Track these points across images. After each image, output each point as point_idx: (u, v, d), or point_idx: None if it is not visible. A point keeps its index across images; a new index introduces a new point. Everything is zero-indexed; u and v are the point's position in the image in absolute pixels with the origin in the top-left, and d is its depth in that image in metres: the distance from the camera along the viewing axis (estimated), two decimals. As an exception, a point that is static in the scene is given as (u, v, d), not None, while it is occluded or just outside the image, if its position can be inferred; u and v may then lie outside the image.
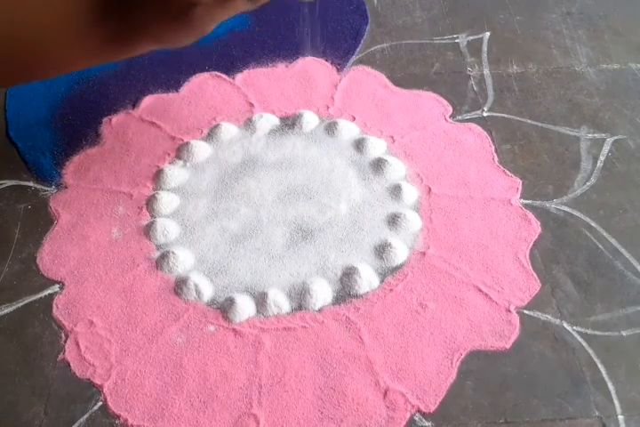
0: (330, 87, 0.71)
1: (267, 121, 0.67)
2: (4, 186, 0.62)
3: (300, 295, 0.53)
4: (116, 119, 0.68)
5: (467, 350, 0.50)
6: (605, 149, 0.64)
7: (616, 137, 0.65)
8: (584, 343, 0.50)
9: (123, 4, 0.29)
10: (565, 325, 0.51)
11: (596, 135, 0.66)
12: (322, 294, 0.53)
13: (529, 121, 0.67)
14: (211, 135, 0.66)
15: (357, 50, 0.76)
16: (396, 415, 0.46)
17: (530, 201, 0.60)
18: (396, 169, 0.62)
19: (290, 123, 0.67)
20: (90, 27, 0.30)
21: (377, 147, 0.64)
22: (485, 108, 0.69)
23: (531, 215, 0.59)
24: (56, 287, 0.55)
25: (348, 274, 0.54)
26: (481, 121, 0.67)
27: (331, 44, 0.76)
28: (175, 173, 0.62)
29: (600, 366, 0.49)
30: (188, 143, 0.65)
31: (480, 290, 0.53)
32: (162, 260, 0.56)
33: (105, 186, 0.62)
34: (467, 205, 0.60)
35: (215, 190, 0.61)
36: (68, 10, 0.29)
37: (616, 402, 0.47)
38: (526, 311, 0.52)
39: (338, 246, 0.57)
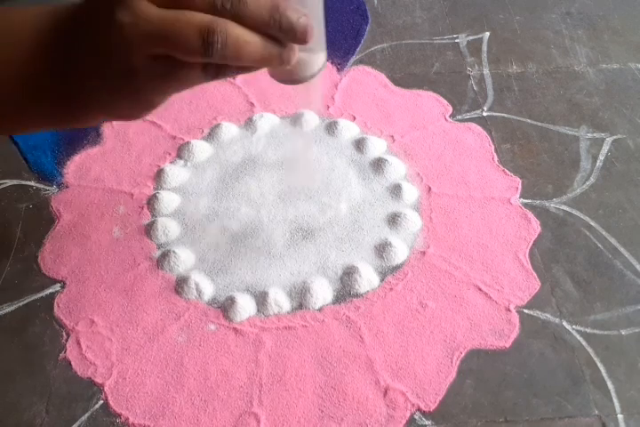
0: (330, 87, 0.71)
1: (267, 121, 0.67)
2: (5, 185, 0.62)
3: (301, 294, 0.53)
4: (116, 119, 0.68)
5: (466, 349, 0.50)
6: (605, 148, 0.64)
7: (615, 136, 0.65)
8: (583, 342, 0.50)
9: (69, 69, 0.28)
10: (565, 324, 0.52)
11: (595, 135, 0.66)
12: (322, 293, 0.53)
13: (528, 121, 0.67)
14: (211, 135, 0.66)
15: (357, 50, 0.76)
16: (396, 414, 0.47)
17: (529, 200, 0.60)
18: (397, 168, 0.62)
19: (290, 122, 0.67)
20: (43, 89, 0.29)
21: (377, 146, 0.64)
22: (485, 108, 0.69)
23: (530, 215, 0.59)
24: (57, 286, 0.55)
25: (349, 273, 0.54)
26: (481, 121, 0.67)
27: (331, 44, 0.75)
28: (176, 173, 0.62)
29: (599, 364, 0.49)
30: (188, 143, 0.65)
31: (480, 289, 0.53)
32: (163, 259, 0.56)
33: (106, 185, 0.62)
34: (467, 204, 0.60)
35: (216, 190, 0.62)
36: (26, 69, 0.28)
37: (615, 401, 0.47)
38: (526, 310, 0.52)
39: (338, 246, 0.57)
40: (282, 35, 0.27)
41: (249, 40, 0.26)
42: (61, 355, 0.50)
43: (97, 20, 0.26)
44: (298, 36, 0.27)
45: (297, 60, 0.28)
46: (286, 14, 0.26)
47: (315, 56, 0.30)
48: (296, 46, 0.28)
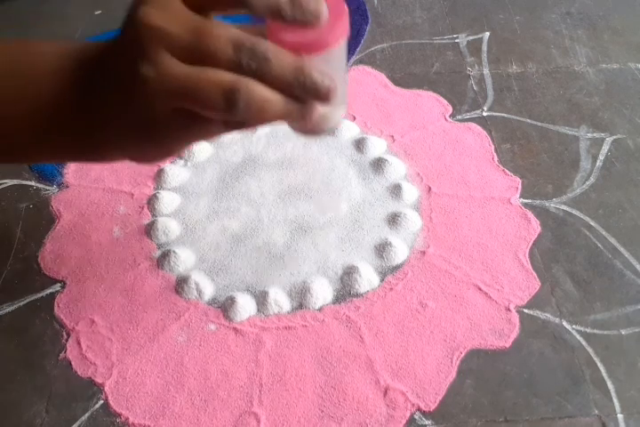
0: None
1: (267, 121, 0.67)
2: (5, 185, 0.62)
3: (301, 294, 0.53)
4: (116, 119, 0.68)
5: (467, 349, 0.50)
6: (605, 148, 0.64)
7: (615, 136, 0.65)
8: (583, 342, 0.50)
9: (91, 111, 0.28)
10: (565, 324, 0.52)
11: (595, 135, 0.66)
12: (322, 292, 0.53)
13: (528, 120, 0.67)
14: (211, 135, 0.66)
15: (358, 49, 0.76)
16: (396, 414, 0.47)
17: (529, 200, 0.60)
18: (397, 168, 0.62)
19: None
20: (65, 128, 0.29)
21: (377, 146, 0.64)
22: (485, 108, 0.69)
23: (530, 214, 0.59)
24: (57, 286, 0.55)
25: (349, 273, 0.54)
26: (481, 121, 0.67)
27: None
28: (176, 173, 0.62)
29: (599, 364, 0.49)
30: (188, 143, 0.65)
31: (480, 289, 0.53)
32: (163, 259, 0.56)
33: (106, 185, 0.62)
34: (466, 204, 0.60)
35: (216, 190, 0.62)
36: (48, 106, 0.28)
37: (615, 401, 0.47)
38: (526, 310, 0.52)
39: (338, 245, 0.57)
40: (305, 95, 0.27)
41: (271, 99, 0.26)
42: (61, 355, 0.50)
43: (121, 70, 0.26)
44: (321, 96, 0.26)
45: (318, 115, 0.28)
46: (311, 76, 0.26)
47: (335, 110, 0.30)
48: (317, 103, 0.28)
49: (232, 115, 0.25)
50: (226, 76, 0.25)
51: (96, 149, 0.30)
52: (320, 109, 0.28)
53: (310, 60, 0.26)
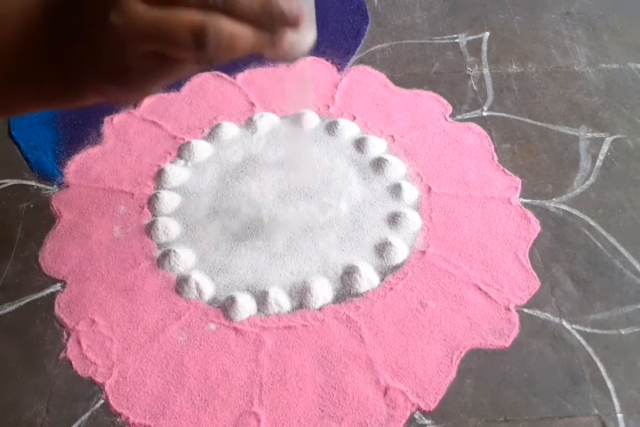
0: (330, 87, 0.71)
1: (267, 120, 0.67)
2: (6, 185, 0.62)
3: (301, 294, 0.53)
4: (117, 119, 0.68)
5: (466, 349, 0.50)
6: (604, 148, 0.64)
7: (615, 136, 0.66)
8: (583, 342, 0.51)
9: (61, 55, 0.28)
10: (565, 323, 0.52)
11: (595, 134, 0.66)
12: (322, 292, 0.53)
13: (528, 120, 0.67)
14: (212, 135, 0.66)
15: (358, 49, 0.76)
16: (396, 413, 0.47)
17: (529, 200, 0.60)
18: (397, 168, 0.62)
19: (290, 122, 0.67)
20: (36, 70, 0.29)
21: (377, 146, 0.64)
22: (485, 108, 0.69)
23: (530, 214, 0.59)
24: (58, 286, 0.55)
25: (349, 273, 0.54)
26: (480, 120, 0.67)
27: (331, 44, 0.76)
28: (176, 173, 0.62)
29: (599, 364, 0.49)
30: (189, 143, 0.65)
31: (480, 289, 0.53)
32: (163, 258, 0.56)
33: (106, 185, 0.62)
34: (466, 204, 0.60)
35: (216, 189, 0.62)
36: (16, 48, 0.29)
37: (615, 400, 0.47)
38: (526, 310, 0.52)
39: (338, 245, 0.57)
40: (274, 23, 0.27)
41: (241, 34, 0.27)
42: (62, 354, 0.50)
43: (91, 15, 0.26)
44: (290, 23, 0.27)
45: (288, 42, 0.29)
46: (278, 4, 0.26)
47: (305, 35, 0.31)
48: (287, 30, 0.28)
49: (203, 53, 0.26)
50: (193, 16, 0.26)
51: (67, 91, 0.30)
52: (290, 36, 0.28)
53: None
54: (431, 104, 0.69)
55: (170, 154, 0.65)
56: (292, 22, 0.27)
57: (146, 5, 0.26)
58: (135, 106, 0.69)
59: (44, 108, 0.33)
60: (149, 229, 0.58)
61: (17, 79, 0.30)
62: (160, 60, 0.27)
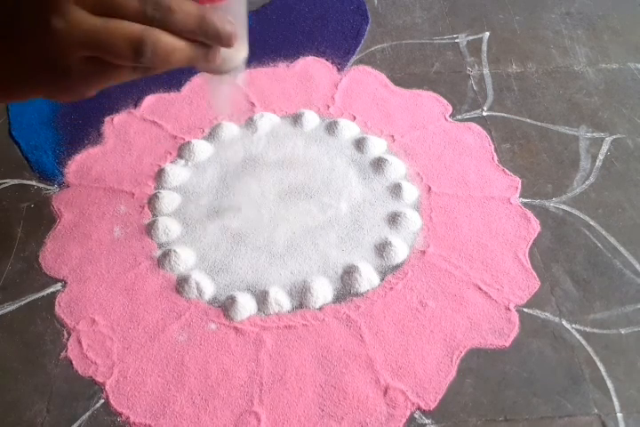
0: (330, 87, 0.71)
1: (268, 120, 0.67)
2: (6, 185, 0.62)
3: (301, 294, 0.53)
4: (117, 119, 0.68)
5: (466, 348, 0.50)
6: (604, 148, 0.65)
7: (615, 136, 0.66)
8: (583, 341, 0.51)
9: (3, 55, 0.29)
10: (565, 323, 0.52)
11: (594, 134, 0.66)
12: (322, 292, 0.53)
13: (528, 120, 0.68)
14: (212, 134, 0.66)
15: (358, 49, 0.76)
16: (396, 413, 0.47)
17: (529, 200, 0.60)
18: (397, 168, 0.62)
19: (291, 122, 0.68)
20: None
21: (377, 146, 0.65)
22: (485, 108, 0.69)
23: (530, 214, 0.59)
24: (58, 286, 0.55)
25: (349, 272, 0.54)
26: (480, 120, 0.68)
27: (331, 44, 0.76)
28: (177, 172, 0.63)
29: (599, 364, 0.49)
30: (189, 142, 0.65)
31: (480, 288, 0.54)
32: (163, 258, 0.56)
33: (107, 185, 0.62)
34: (466, 203, 0.60)
35: (216, 189, 0.62)
36: None
37: (615, 400, 0.47)
38: (526, 310, 0.52)
39: (338, 245, 0.57)
40: (208, 41, 0.28)
41: (177, 47, 0.28)
42: (62, 354, 0.50)
43: (33, 19, 0.27)
44: (224, 42, 0.29)
45: (221, 58, 0.30)
46: (213, 24, 0.28)
47: (237, 52, 0.33)
48: (220, 47, 0.30)
49: (140, 63, 0.27)
50: (133, 28, 0.27)
51: (7, 89, 0.30)
52: (222, 53, 0.30)
53: (212, 9, 0.29)
54: (431, 104, 0.69)
55: (170, 154, 0.65)
56: (225, 41, 0.29)
57: (88, 13, 0.26)
58: (135, 106, 0.69)
59: None
60: (150, 229, 0.58)
61: None
62: (99, 65, 0.28)
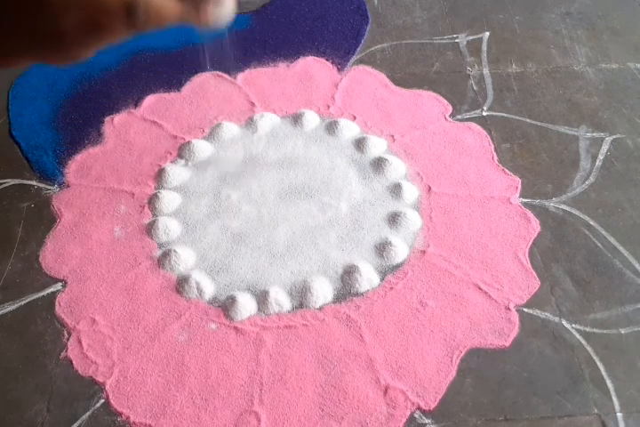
0: (330, 87, 0.71)
1: (268, 120, 0.67)
2: (6, 185, 0.62)
3: (301, 293, 0.53)
4: (117, 118, 0.68)
5: (466, 348, 0.50)
6: (604, 148, 0.65)
7: (615, 136, 0.66)
8: (583, 341, 0.51)
9: None
10: (564, 323, 0.52)
11: (594, 134, 0.66)
12: (323, 292, 0.53)
13: (528, 120, 0.68)
14: (212, 134, 0.66)
15: (358, 50, 0.76)
16: (396, 413, 0.47)
17: (529, 200, 0.60)
18: (397, 168, 0.62)
19: (291, 122, 0.68)
20: None
21: (377, 146, 0.65)
22: (485, 108, 0.69)
23: (530, 214, 0.59)
24: (58, 285, 0.55)
25: (349, 272, 0.54)
26: (480, 120, 0.68)
27: (331, 44, 0.76)
28: (177, 172, 0.63)
29: (599, 363, 0.49)
30: (189, 142, 0.65)
31: (480, 288, 0.54)
32: (164, 258, 0.56)
33: (107, 185, 0.62)
34: (466, 203, 0.60)
35: (217, 189, 0.62)
36: None
37: (615, 399, 0.47)
38: (525, 309, 0.52)
39: (338, 245, 0.57)
40: None
41: (167, 6, 0.29)
42: (63, 354, 0.50)
43: None
44: None
45: (211, 13, 0.32)
46: None
47: (225, 6, 0.35)
48: (209, 2, 0.32)
49: (133, 23, 0.29)
50: None
51: (2, 53, 0.31)
52: (211, 8, 0.32)
53: None
54: (431, 104, 0.69)
55: (170, 154, 0.65)
56: None
57: None
58: (136, 105, 0.69)
59: None
60: (150, 229, 0.58)
61: None
62: (92, 26, 0.29)
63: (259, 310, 0.53)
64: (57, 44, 0.30)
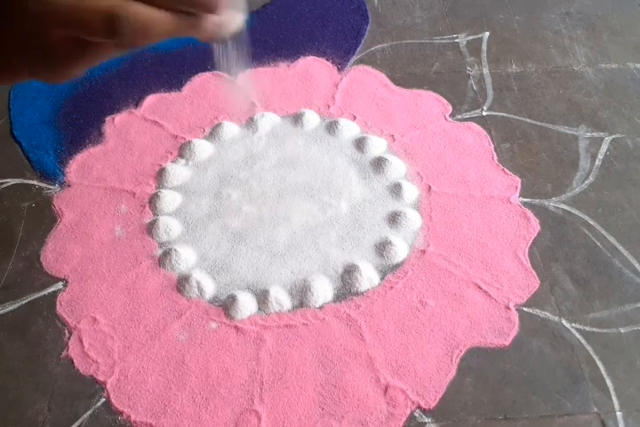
0: (331, 86, 0.71)
1: (268, 120, 0.67)
2: (7, 184, 0.62)
3: (302, 293, 0.54)
4: (118, 118, 0.68)
5: (466, 347, 0.50)
6: (604, 147, 0.65)
7: (614, 136, 0.66)
8: (583, 340, 0.51)
9: None
10: (564, 322, 0.52)
11: (594, 134, 0.66)
12: (323, 291, 0.53)
13: (528, 120, 0.68)
14: (213, 134, 0.67)
15: (358, 49, 0.76)
16: (396, 412, 0.47)
17: (529, 199, 0.60)
18: (397, 168, 0.63)
19: (291, 122, 0.68)
20: None
21: (377, 146, 0.65)
22: (485, 108, 0.69)
23: (530, 213, 0.59)
24: (59, 285, 0.55)
25: (349, 271, 0.55)
26: (480, 120, 0.68)
27: (331, 44, 0.76)
28: (177, 172, 0.63)
29: (598, 362, 0.49)
30: (190, 142, 0.65)
31: (479, 287, 0.54)
32: (164, 257, 0.56)
33: (108, 184, 0.62)
34: (466, 203, 0.60)
35: (217, 189, 0.62)
36: None
37: (614, 398, 0.47)
38: (525, 309, 0.53)
39: (339, 244, 0.57)
40: (192, 9, 0.28)
41: (157, 19, 0.28)
42: (64, 353, 0.51)
43: (8, 6, 0.27)
44: (209, 8, 0.28)
45: (212, 25, 0.29)
46: None
47: (232, 17, 0.31)
48: (208, 15, 0.29)
49: (118, 39, 0.27)
50: (106, 3, 0.26)
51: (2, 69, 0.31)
52: (214, 19, 0.29)
53: None
54: (431, 104, 0.70)
55: (171, 153, 0.65)
56: (211, 8, 0.29)
57: None
58: (136, 105, 0.69)
59: None
60: (150, 228, 0.58)
61: None
62: (80, 44, 0.28)
63: (259, 309, 0.53)
64: (48, 62, 0.30)
